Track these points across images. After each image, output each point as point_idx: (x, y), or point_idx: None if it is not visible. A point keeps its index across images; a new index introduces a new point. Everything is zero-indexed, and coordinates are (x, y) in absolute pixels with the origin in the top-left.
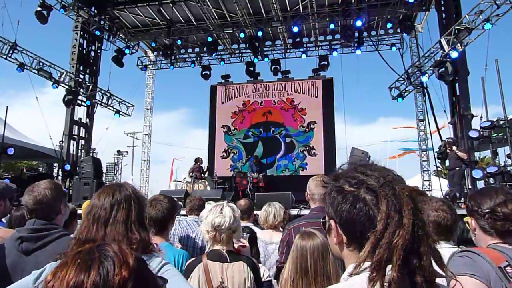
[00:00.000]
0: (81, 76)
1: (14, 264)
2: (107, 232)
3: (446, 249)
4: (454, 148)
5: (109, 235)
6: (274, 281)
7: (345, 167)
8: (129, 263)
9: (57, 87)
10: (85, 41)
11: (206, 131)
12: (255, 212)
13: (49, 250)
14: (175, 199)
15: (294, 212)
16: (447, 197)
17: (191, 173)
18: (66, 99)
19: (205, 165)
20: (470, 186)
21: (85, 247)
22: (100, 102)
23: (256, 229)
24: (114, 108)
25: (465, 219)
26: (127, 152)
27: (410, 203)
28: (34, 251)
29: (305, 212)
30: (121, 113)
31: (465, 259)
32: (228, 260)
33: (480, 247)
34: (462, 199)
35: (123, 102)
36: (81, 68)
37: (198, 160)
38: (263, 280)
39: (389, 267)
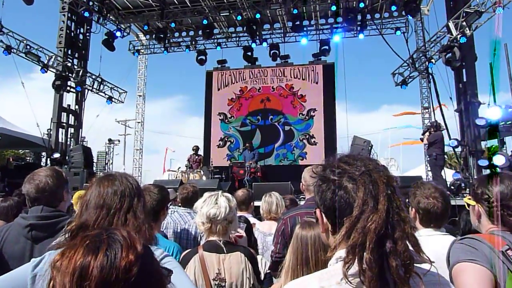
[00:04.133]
0: (70, 61)
1: (23, 251)
2: (128, 220)
3: (435, 237)
4: (427, 134)
5: (129, 224)
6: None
7: (341, 156)
8: (137, 248)
9: (46, 72)
10: (73, 23)
11: (201, 119)
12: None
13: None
14: (169, 189)
15: None
16: (452, 187)
17: (188, 163)
18: (55, 84)
19: (201, 153)
20: (476, 177)
21: (94, 231)
22: (91, 88)
23: (254, 220)
24: (106, 94)
25: (466, 200)
26: (118, 141)
27: (386, 190)
28: (44, 239)
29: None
30: (113, 99)
31: (465, 246)
32: (225, 251)
33: (481, 233)
34: (468, 190)
35: (115, 88)
36: (69, 52)
37: (196, 149)
38: (263, 272)
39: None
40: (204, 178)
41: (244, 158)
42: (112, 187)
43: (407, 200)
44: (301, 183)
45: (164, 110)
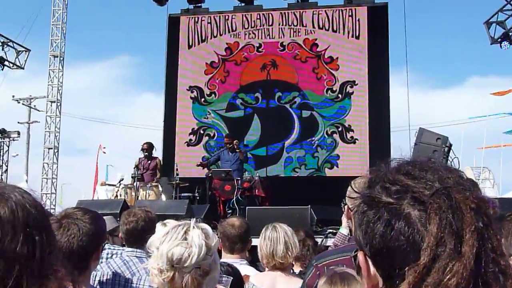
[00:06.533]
0: None
1: None
2: (43, 280)
3: None
4: None
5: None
6: None
7: (400, 163)
8: None
9: None
10: None
11: (160, 97)
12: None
13: None
14: (106, 217)
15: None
16: None
17: (136, 171)
18: None
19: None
20: None
21: None
22: None
23: (249, 269)
24: None
25: None
26: (18, 133)
27: (476, 222)
28: None
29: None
30: (6, 63)
31: None
32: None
33: None
34: None
35: (10, 43)
36: None
37: (147, 148)
38: None
39: None
40: (163, 197)
41: (218, 160)
42: (7, 212)
43: None
44: (343, 205)
45: (97, 82)
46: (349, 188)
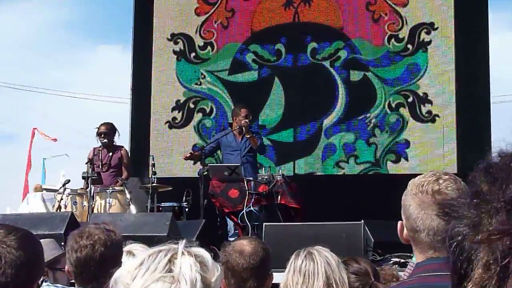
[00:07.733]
0: None
1: None
2: None
3: None
4: None
5: None
6: None
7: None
8: None
9: None
10: None
11: (127, 52)
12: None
13: None
14: (43, 240)
15: None
16: None
17: (90, 168)
18: None
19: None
20: None
21: None
22: None
23: None
24: None
25: None
26: None
27: None
28: None
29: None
30: None
31: None
32: None
33: None
34: None
35: None
36: None
37: (105, 132)
38: None
39: None
40: (133, 208)
41: (217, 149)
42: None
43: None
44: (399, 224)
45: (28, 31)
46: (403, 201)
